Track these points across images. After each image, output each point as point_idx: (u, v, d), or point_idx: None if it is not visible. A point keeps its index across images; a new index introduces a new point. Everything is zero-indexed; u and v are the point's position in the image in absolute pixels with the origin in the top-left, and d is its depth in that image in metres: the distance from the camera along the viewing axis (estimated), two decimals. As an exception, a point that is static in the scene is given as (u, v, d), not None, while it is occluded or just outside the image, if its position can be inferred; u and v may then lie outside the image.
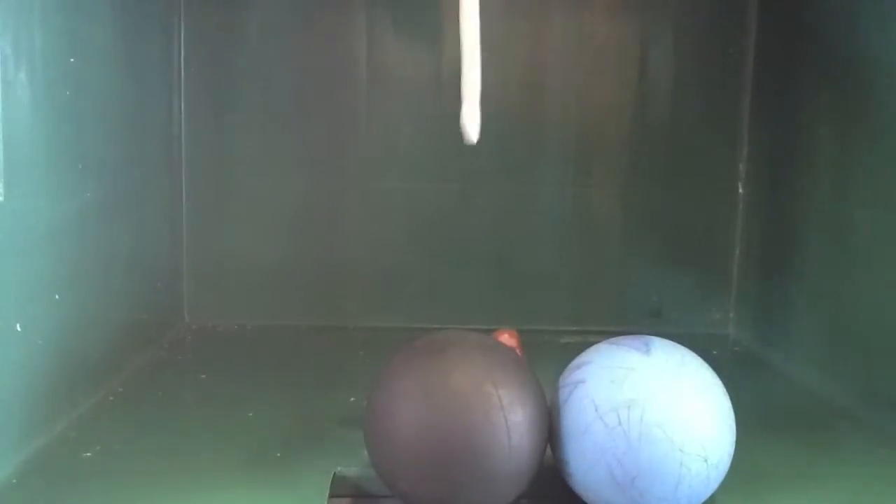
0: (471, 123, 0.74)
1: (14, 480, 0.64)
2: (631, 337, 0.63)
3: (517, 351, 0.75)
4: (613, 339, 0.64)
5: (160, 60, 1.07)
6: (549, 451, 0.62)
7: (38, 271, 0.71)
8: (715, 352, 1.11)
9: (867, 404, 0.84)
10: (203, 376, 0.94)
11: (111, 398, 0.85)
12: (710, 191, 1.19)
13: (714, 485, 0.59)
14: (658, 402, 0.57)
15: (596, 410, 0.58)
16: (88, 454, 0.70)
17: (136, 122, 0.97)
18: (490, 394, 0.57)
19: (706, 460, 0.57)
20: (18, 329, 0.68)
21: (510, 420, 0.57)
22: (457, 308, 1.17)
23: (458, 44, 1.09)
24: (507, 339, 0.76)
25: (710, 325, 1.20)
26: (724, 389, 0.61)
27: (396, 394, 0.59)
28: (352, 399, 0.84)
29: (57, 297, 0.75)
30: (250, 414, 0.81)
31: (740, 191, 1.18)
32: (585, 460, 0.58)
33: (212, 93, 1.14)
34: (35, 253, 0.71)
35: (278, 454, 0.71)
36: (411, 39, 1.16)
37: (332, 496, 0.65)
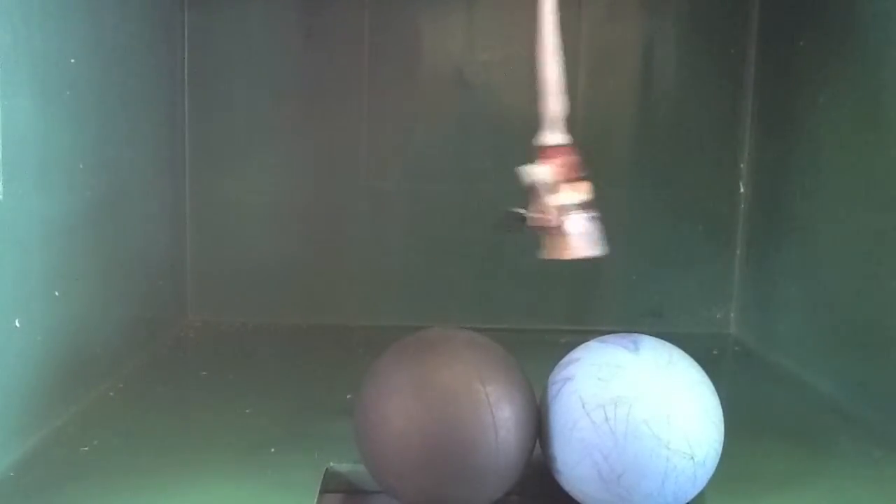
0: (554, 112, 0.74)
1: (12, 473, 0.65)
2: (620, 335, 0.63)
3: (573, 167, 0.72)
4: (603, 336, 0.64)
5: (164, 61, 1.09)
6: (538, 447, 0.62)
7: (37, 268, 0.73)
8: (716, 351, 1.11)
9: (865, 404, 0.84)
10: (203, 373, 0.95)
11: (111, 394, 0.86)
12: (712, 191, 1.19)
13: (701, 483, 0.59)
14: (645, 399, 0.57)
15: (583, 407, 0.58)
16: (86, 448, 0.71)
17: (138, 121, 0.98)
18: (478, 390, 0.58)
19: (692, 458, 0.57)
20: (17, 325, 0.69)
21: (497, 416, 0.57)
22: (456, 308, 1.17)
23: (460, 45, 1.10)
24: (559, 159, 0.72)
25: (711, 324, 1.20)
26: (713, 388, 0.61)
27: (385, 390, 0.59)
28: (348, 396, 0.84)
29: (57, 293, 0.76)
30: (248, 410, 0.82)
31: (742, 191, 1.18)
32: (572, 457, 0.59)
33: (215, 92, 1.16)
34: (35, 250, 0.72)
35: (272, 450, 0.72)
36: (413, 42, 1.17)
37: (323, 491, 0.65)
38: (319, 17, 1.16)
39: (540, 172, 0.73)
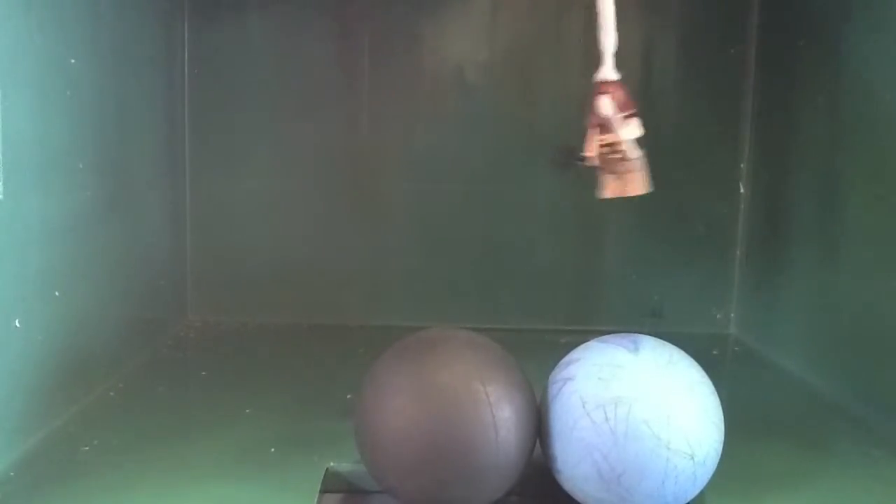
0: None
1: (11, 473, 0.65)
2: (620, 335, 0.63)
3: (629, 102, 0.73)
4: (603, 336, 0.64)
5: (164, 60, 1.09)
6: (538, 447, 0.62)
7: (37, 268, 0.73)
8: (716, 352, 1.11)
9: (865, 405, 0.84)
10: (203, 373, 0.95)
11: (111, 394, 0.86)
12: (712, 190, 1.19)
13: (701, 482, 0.59)
14: (645, 399, 0.57)
15: (583, 407, 0.58)
16: (86, 448, 0.71)
17: (138, 121, 0.98)
18: (478, 390, 0.58)
19: (692, 457, 0.57)
20: (17, 325, 0.69)
21: (497, 416, 0.57)
22: (457, 308, 1.17)
23: (460, 46, 1.09)
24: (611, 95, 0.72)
25: (711, 324, 1.20)
26: (713, 388, 0.61)
27: (385, 389, 0.59)
28: (349, 396, 0.84)
29: (57, 293, 0.76)
30: (247, 410, 0.82)
31: (741, 191, 1.18)
32: (573, 457, 0.59)
33: (215, 92, 1.16)
34: (35, 250, 0.72)
35: (272, 450, 0.72)
36: (413, 41, 1.17)
37: (323, 491, 0.65)
38: (321, 19, 1.16)
39: (607, 106, 0.74)
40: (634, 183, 0.75)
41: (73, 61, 0.79)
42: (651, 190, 0.76)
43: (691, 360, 0.62)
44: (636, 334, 0.63)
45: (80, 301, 0.81)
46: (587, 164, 0.75)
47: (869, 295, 0.86)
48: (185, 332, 1.13)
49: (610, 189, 0.76)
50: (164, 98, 1.09)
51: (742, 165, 1.17)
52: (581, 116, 1.17)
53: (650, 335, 0.63)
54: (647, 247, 1.20)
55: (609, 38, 0.75)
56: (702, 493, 0.61)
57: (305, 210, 1.18)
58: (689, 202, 1.19)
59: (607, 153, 0.74)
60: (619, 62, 1.17)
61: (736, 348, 1.14)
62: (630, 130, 0.74)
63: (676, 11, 1.17)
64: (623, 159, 0.74)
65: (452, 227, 1.18)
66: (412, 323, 1.09)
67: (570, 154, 0.74)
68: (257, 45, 1.16)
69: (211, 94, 1.15)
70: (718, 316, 1.21)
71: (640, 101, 1.17)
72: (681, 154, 1.18)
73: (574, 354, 0.64)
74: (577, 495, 0.61)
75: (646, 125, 1.18)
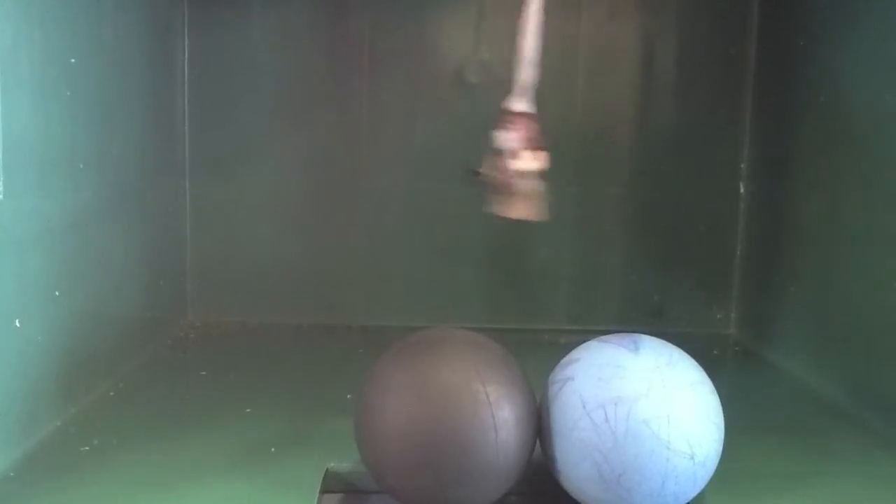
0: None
1: (12, 473, 0.65)
2: (620, 335, 0.63)
3: (535, 136, 0.76)
4: (603, 336, 0.64)
5: (164, 60, 1.09)
6: (538, 447, 0.62)
7: (37, 268, 0.73)
8: (716, 351, 1.11)
9: (866, 405, 0.84)
10: (203, 373, 0.95)
11: (112, 394, 0.86)
12: (712, 191, 1.19)
13: (701, 483, 0.59)
14: (645, 399, 0.57)
15: (584, 407, 0.58)
16: (86, 448, 0.71)
17: (138, 121, 0.98)
18: (478, 390, 0.58)
19: (693, 458, 0.57)
20: (17, 325, 0.69)
21: (497, 416, 0.57)
22: (457, 308, 1.17)
23: (460, 45, 1.10)
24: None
25: (711, 324, 1.20)
26: (713, 388, 0.61)
27: (386, 389, 0.59)
28: (349, 397, 0.84)
29: (57, 293, 0.76)
30: (248, 410, 0.82)
31: (742, 191, 1.18)
32: (573, 457, 0.59)
33: (215, 93, 1.16)
34: (35, 250, 0.72)
35: (273, 449, 0.72)
36: (413, 41, 1.17)
37: (323, 491, 0.65)
38: (321, 20, 1.16)
39: (504, 136, 0.78)
40: (519, 208, 0.79)
41: (73, 61, 0.79)
42: (542, 219, 0.80)
43: (691, 360, 0.62)
44: (636, 334, 0.63)
45: (81, 301, 0.81)
46: (482, 180, 0.80)
47: (868, 295, 0.86)
48: (184, 333, 1.13)
49: (497, 208, 0.80)
50: (164, 98, 1.09)
51: (742, 165, 1.17)
52: (581, 118, 1.18)
53: (650, 335, 0.63)
54: (647, 247, 1.20)
55: (526, 71, 0.77)
56: (702, 493, 0.61)
57: (305, 210, 1.18)
58: (689, 202, 1.19)
59: (497, 176, 0.78)
60: (620, 62, 1.18)
61: (736, 348, 1.14)
62: (524, 162, 0.78)
63: (676, 12, 1.17)
64: (511, 185, 0.78)
65: (452, 227, 1.18)
66: (412, 323, 1.09)
67: (468, 170, 0.78)
68: (257, 46, 1.16)
69: (211, 94, 1.15)
70: (718, 316, 1.21)
71: (641, 101, 1.19)
72: (681, 154, 1.19)
73: (574, 354, 0.64)
74: (577, 496, 0.61)
75: (646, 125, 1.20)
